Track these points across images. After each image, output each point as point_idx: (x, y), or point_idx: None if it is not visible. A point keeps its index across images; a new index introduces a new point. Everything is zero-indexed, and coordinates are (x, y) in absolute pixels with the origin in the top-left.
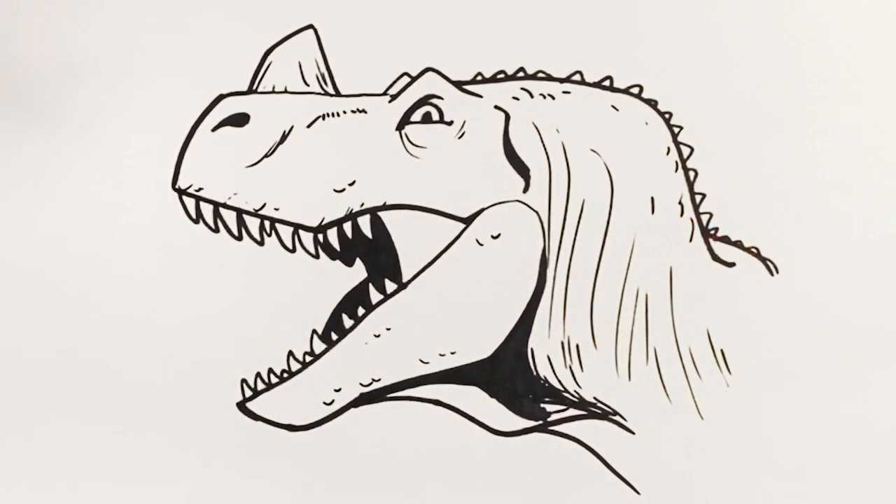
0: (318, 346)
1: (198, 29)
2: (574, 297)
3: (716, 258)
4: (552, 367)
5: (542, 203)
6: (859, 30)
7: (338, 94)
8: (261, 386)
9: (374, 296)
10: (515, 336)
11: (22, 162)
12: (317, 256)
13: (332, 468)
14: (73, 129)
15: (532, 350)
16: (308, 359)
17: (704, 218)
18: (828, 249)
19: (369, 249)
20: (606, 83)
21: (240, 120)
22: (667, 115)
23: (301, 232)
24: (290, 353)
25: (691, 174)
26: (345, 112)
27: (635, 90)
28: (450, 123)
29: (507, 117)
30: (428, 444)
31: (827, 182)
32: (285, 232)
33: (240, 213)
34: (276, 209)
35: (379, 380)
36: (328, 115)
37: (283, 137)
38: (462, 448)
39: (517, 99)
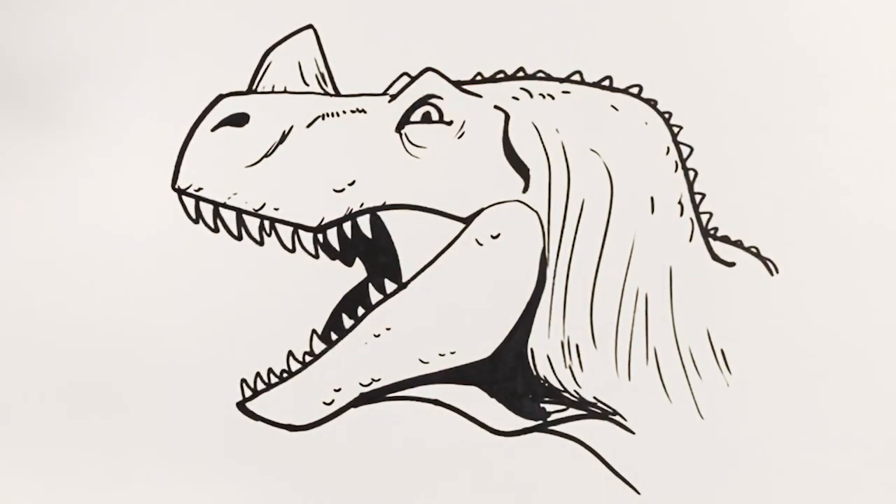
0: (318, 346)
1: (198, 29)
2: (574, 297)
3: (716, 258)
4: (552, 367)
5: (541, 203)
6: (860, 30)
7: (337, 94)
8: (261, 386)
9: (374, 296)
10: (515, 336)
11: (20, 161)
12: (317, 256)
13: (332, 468)
14: (72, 128)
15: (532, 350)
16: (308, 359)
17: (704, 218)
18: (828, 249)
19: (369, 249)
20: (606, 83)
21: (239, 120)
22: (666, 115)
23: (301, 232)
24: (290, 353)
25: (691, 174)
26: (344, 112)
27: (635, 90)
28: (449, 123)
29: (507, 117)
30: (428, 444)
31: (827, 182)
32: (285, 232)
33: (239, 213)
34: (276, 209)
35: (379, 380)
36: (328, 115)
37: (283, 137)
38: (462, 448)
39: (517, 99)
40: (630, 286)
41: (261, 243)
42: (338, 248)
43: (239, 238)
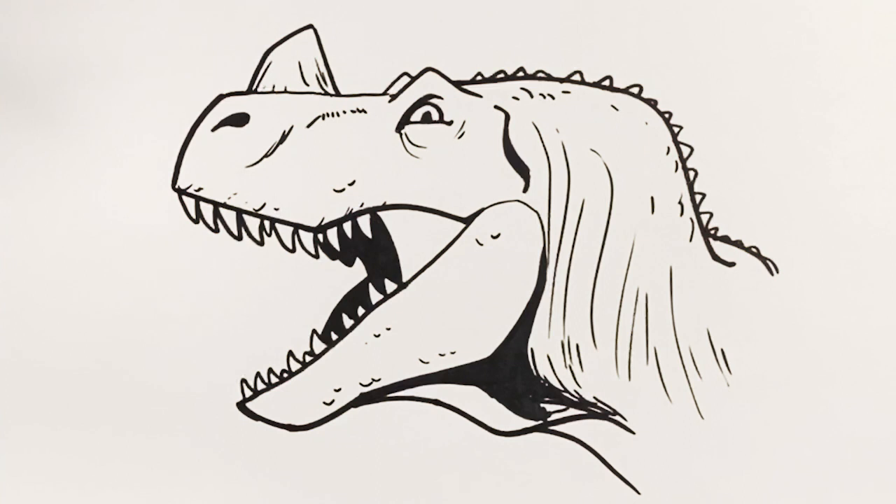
0: (318, 346)
1: (198, 29)
2: (574, 297)
3: (716, 258)
4: (552, 367)
5: (542, 203)
6: (859, 30)
7: (338, 94)
8: (261, 386)
9: (374, 296)
10: (515, 336)
11: (21, 162)
12: (317, 256)
13: (332, 468)
14: (73, 129)
15: (532, 350)
16: (308, 359)
17: (704, 218)
18: (828, 249)
19: (369, 249)
20: (606, 83)
21: (240, 120)
22: (667, 115)
23: (301, 232)
24: (290, 353)
25: (691, 174)
26: (345, 112)
27: (635, 90)
28: (450, 123)
29: (507, 117)
30: (428, 444)
31: (827, 182)
32: (285, 232)
33: (240, 213)
34: (276, 209)
35: (379, 380)
36: (328, 115)
37: (283, 137)
38: (462, 448)
39: (517, 99)
40: (630, 286)
41: (261, 243)
42: (338, 248)
43: (239, 238)
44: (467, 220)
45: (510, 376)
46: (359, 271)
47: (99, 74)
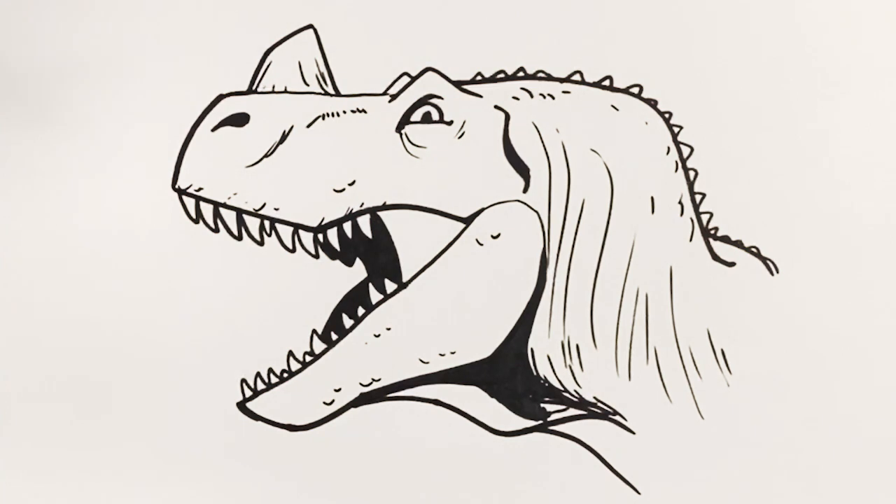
0: (318, 346)
1: (198, 29)
2: (574, 297)
3: (716, 258)
4: (552, 367)
5: (542, 203)
6: (859, 30)
7: (338, 94)
8: (261, 386)
9: (374, 296)
10: (515, 336)
11: (22, 162)
12: (317, 256)
13: (332, 468)
14: (73, 129)
15: (532, 350)
16: (308, 359)
17: (704, 218)
18: (828, 249)
19: (369, 249)
20: (606, 83)
21: (240, 120)
22: (667, 115)
23: (301, 232)
24: (290, 353)
25: (691, 174)
26: (345, 112)
27: (635, 90)
28: (450, 123)
29: (507, 117)
30: (428, 444)
31: (827, 182)
32: (285, 232)
33: (240, 213)
34: (276, 209)
35: (379, 380)
36: (328, 115)
37: (283, 137)
38: (462, 448)
39: (517, 99)
40: (630, 286)
41: (261, 243)
42: (338, 248)
43: (239, 238)
44: (467, 220)
45: (510, 376)
46: (359, 271)
47: (98, 74)
